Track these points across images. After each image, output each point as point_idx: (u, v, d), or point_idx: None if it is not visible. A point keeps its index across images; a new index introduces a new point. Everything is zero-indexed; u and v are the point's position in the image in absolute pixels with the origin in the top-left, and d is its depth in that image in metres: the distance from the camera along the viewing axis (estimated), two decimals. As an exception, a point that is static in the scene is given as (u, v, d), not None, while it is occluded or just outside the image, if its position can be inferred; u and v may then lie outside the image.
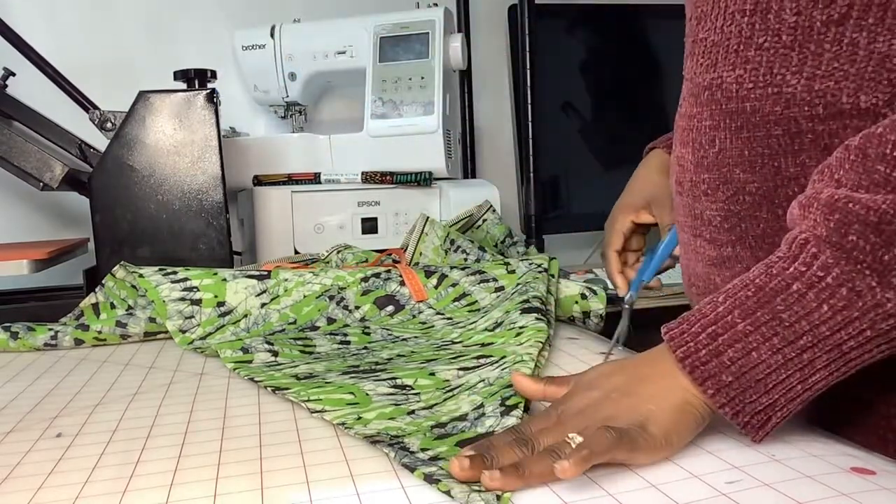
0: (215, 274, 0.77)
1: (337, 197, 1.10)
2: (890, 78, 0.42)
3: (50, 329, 0.75)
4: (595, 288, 0.81)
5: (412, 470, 0.39)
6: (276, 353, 0.65)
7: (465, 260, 0.96)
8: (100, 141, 0.97)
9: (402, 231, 1.10)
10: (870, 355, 0.40)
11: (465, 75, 1.38)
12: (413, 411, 0.49)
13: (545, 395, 0.48)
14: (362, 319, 0.77)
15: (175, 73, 0.95)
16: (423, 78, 1.11)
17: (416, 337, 0.71)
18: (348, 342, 0.70)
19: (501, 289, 0.79)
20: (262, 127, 1.33)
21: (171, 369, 0.65)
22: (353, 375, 0.58)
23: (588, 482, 0.38)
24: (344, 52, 1.17)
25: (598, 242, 1.44)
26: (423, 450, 0.42)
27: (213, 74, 0.96)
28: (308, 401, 0.52)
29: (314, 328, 0.74)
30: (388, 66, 1.13)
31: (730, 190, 0.50)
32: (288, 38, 1.18)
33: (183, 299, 0.74)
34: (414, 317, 0.77)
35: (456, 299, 0.79)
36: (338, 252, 0.99)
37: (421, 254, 0.99)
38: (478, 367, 0.58)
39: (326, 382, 0.56)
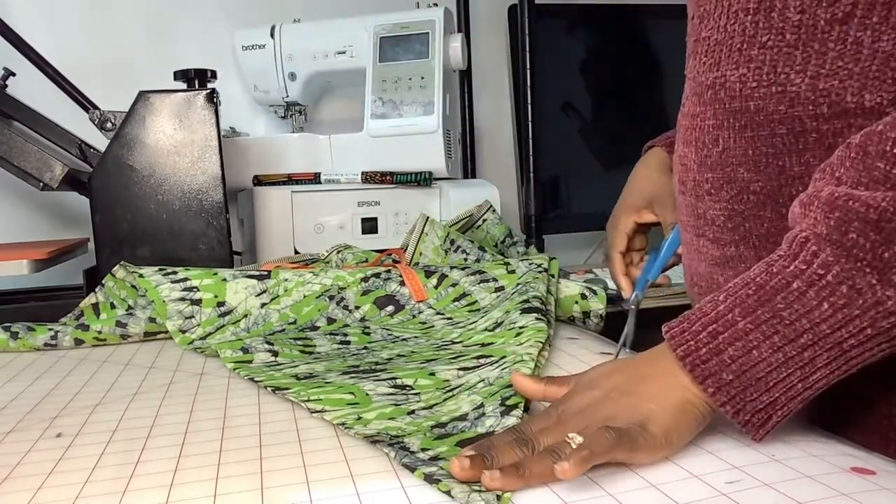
0: (215, 274, 0.77)
1: (337, 197, 1.10)
2: (894, 77, 0.42)
3: (50, 329, 0.75)
4: (595, 288, 0.81)
5: (412, 470, 0.39)
6: (276, 353, 0.65)
7: (465, 260, 0.96)
8: (100, 141, 0.97)
9: (402, 231, 1.10)
10: (870, 354, 0.40)
11: (465, 75, 1.38)
12: (413, 411, 0.49)
13: (545, 394, 0.48)
14: (362, 319, 0.77)
15: (175, 73, 0.95)
16: (423, 78, 1.11)
17: (416, 337, 0.71)
18: (348, 342, 0.70)
19: (501, 289, 0.79)
20: (262, 127, 1.33)
21: (171, 369, 0.65)
22: (353, 375, 0.58)
23: (588, 482, 0.38)
24: (344, 52, 1.17)
25: (599, 242, 1.45)
26: (423, 450, 0.42)
27: (213, 74, 0.96)
28: (308, 401, 0.52)
29: (314, 328, 0.74)
30: (388, 66, 1.13)
31: (733, 189, 0.50)
32: (288, 38, 1.18)
33: (183, 299, 0.74)
34: (414, 317, 0.77)
35: (456, 299, 0.79)
36: (338, 252, 0.99)
37: (421, 254, 0.99)
38: (478, 367, 0.58)
39: (326, 382, 0.56)
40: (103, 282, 0.81)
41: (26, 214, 1.21)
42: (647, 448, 0.40)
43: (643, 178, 0.77)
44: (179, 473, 0.42)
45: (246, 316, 0.75)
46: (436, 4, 1.16)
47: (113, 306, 0.79)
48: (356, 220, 1.10)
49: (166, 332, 0.74)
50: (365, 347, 0.68)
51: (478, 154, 1.44)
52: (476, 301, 0.79)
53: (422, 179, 1.09)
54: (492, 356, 0.60)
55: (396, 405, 0.50)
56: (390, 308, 0.78)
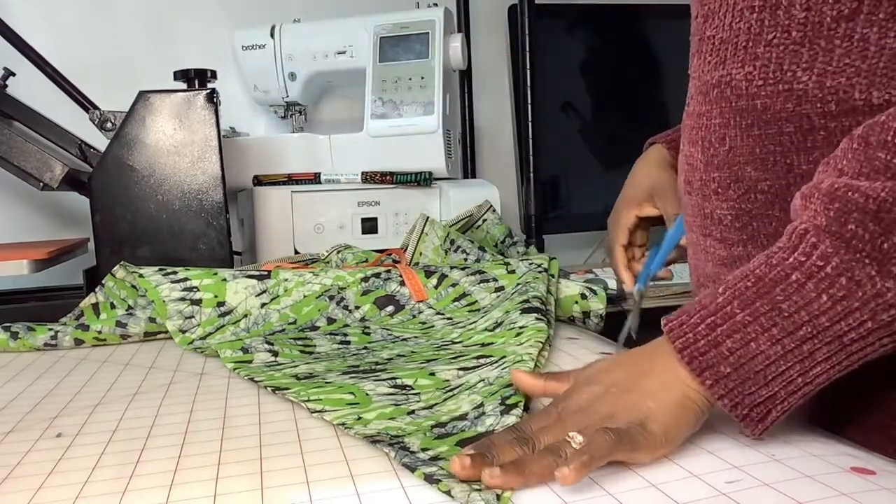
0: (215, 274, 0.77)
1: (337, 197, 1.10)
2: None
3: (50, 329, 0.75)
4: (595, 288, 0.81)
5: (412, 470, 0.39)
6: (276, 353, 0.65)
7: (465, 260, 0.96)
8: (100, 141, 0.97)
9: (402, 231, 1.10)
10: (872, 348, 0.39)
11: (465, 75, 1.38)
12: (413, 411, 0.49)
13: (545, 391, 0.48)
14: (362, 319, 0.77)
15: (175, 73, 0.95)
16: (423, 78, 1.11)
17: (416, 337, 0.71)
18: (348, 342, 0.70)
19: (501, 289, 0.79)
20: (262, 127, 1.33)
21: (171, 369, 0.65)
22: (353, 375, 0.58)
23: (588, 482, 0.38)
24: (344, 52, 1.17)
25: (599, 242, 1.45)
26: (423, 450, 0.42)
27: (213, 74, 0.96)
28: (308, 401, 0.52)
29: (314, 328, 0.74)
30: (388, 66, 1.13)
31: (741, 188, 0.50)
32: (288, 38, 1.18)
33: (183, 299, 0.74)
34: (414, 317, 0.77)
35: (456, 299, 0.79)
36: (338, 252, 0.99)
37: (421, 254, 0.99)
38: (478, 366, 0.58)
39: (326, 382, 0.56)
40: (103, 282, 0.81)
41: (26, 214, 1.21)
42: (648, 447, 0.40)
43: (643, 173, 0.77)
44: (179, 473, 0.42)
45: (246, 316, 0.75)
46: (436, 4, 1.16)
47: (113, 306, 0.79)
48: (356, 220, 1.10)
49: (166, 332, 0.74)
50: (365, 347, 0.68)
51: (478, 154, 1.44)
52: (476, 301, 0.79)
53: (422, 179, 1.09)
54: (492, 356, 0.60)
55: (396, 405, 0.50)
56: (390, 308, 0.78)
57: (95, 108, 0.95)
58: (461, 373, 0.57)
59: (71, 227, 1.23)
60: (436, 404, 0.51)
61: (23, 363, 0.69)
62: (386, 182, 1.10)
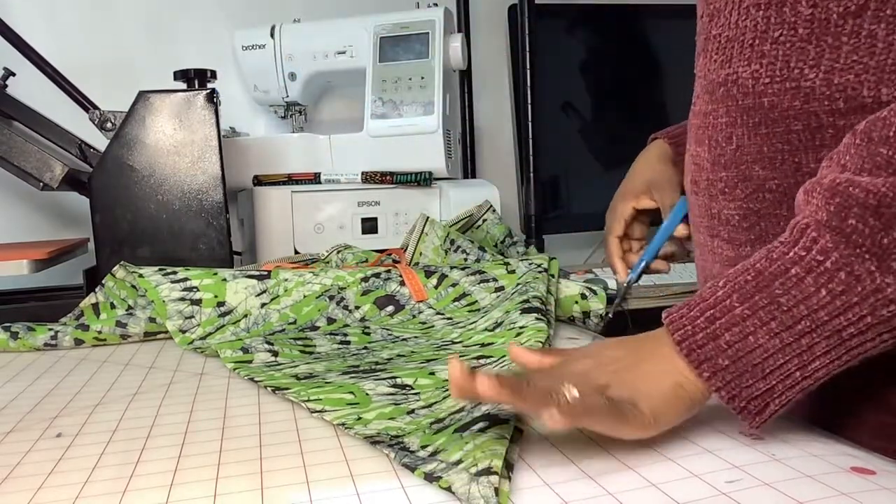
0: (215, 274, 0.77)
1: (337, 197, 1.10)
2: None
3: (50, 329, 0.75)
4: (595, 288, 0.81)
5: (412, 469, 0.39)
6: (276, 353, 0.65)
7: (465, 260, 0.96)
8: (100, 141, 0.97)
9: (402, 231, 1.10)
10: (872, 344, 0.39)
11: (465, 75, 1.38)
12: (413, 411, 0.49)
13: (541, 363, 0.47)
14: (362, 319, 0.77)
15: (175, 73, 0.95)
16: (423, 78, 1.11)
17: (416, 337, 0.71)
18: (348, 342, 0.70)
19: (501, 289, 0.79)
20: (262, 127, 1.33)
21: (171, 369, 0.65)
22: (353, 375, 0.58)
23: (588, 481, 0.38)
24: (344, 52, 1.17)
25: (599, 242, 1.45)
26: (422, 447, 0.42)
27: (213, 74, 0.96)
28: (308, 401, 0.52)
29: (314, 328, 0.74)
30: (388, 66, 1.13)
31: (749, 188, 0.50)
32: (288, 38, 1.18)
33: (183, 299, 0.74)
34: (414, 317, 0.77)
35: (456, 299, 0.79)
36: (338, 252, 0.99)
37: (421, 254, 0.99)
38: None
39: (326, 382, 0.56)
40: (103, 282, 0.81)
41: (26, 214, 1.21)
42: (634, 424, 0.40)
43: (642, 166, 0.77)
44: (179, 473, 0.42)
45: (246, 316, 0.75)
46: (436, 4, 1.16)
47: (113, 306, 0.79)
48: (356, 220, 1.10)
49: (166, 332, 0.74)
50: (365, 347, 0.68)
51: (478, 154, 1.44)
52: (476, 301, 0.79)
53: (422, 179, 1.09)
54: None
55: (396, 405, 0.51)
56: (390, 308, 0.78)
57: (95, 108, 0.95)
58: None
59: (71, 227, 1.23)
60: (435, 403, 0.51)
61: (23, 363, 0.69)
62: (386, 182, 1.10)
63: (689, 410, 0.42)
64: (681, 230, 0.69)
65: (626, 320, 0.69)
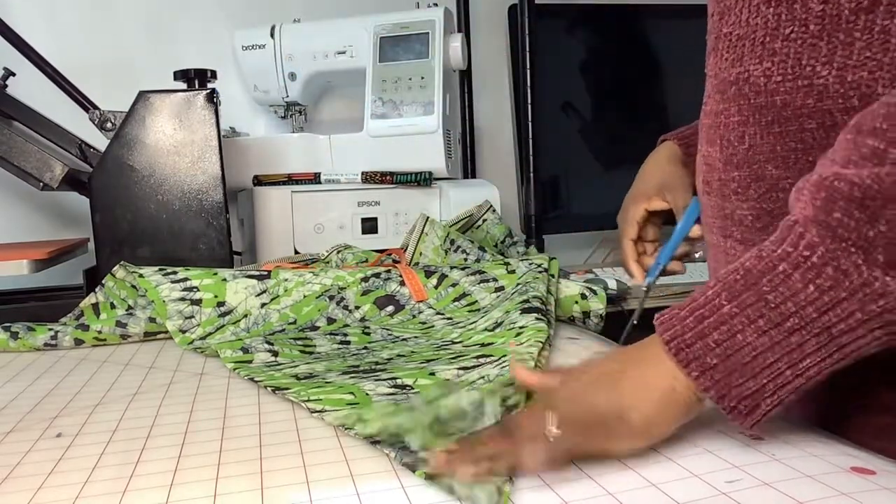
0: (215, 274, 0.77)
1: (337, 197, 1.10)
2: None
3: (50, 329, 0.75)
4: (595, 288, 0.81)
5: (413, 469, 0.39)
6: (276, 353, 0.65)
7: (465, 260, 0.96)
8: (100, 141, 0.97)
9: (402, 231, 1.10)
10: (864, 341, 0.38)
11: (465, 75, 1.38)
12: (413, 408, 0.49)
13: (539, 382, 0.47)
14: (362, 319, 0.77)
15: (175, 73, 0.95)
16: (423, 78, 1.11)
17: (416, 337, 0.71)
18: (348, 342, 0.70)
19: (501, 289, 0.79)
20: (262, 127, 1.33)
21: (171, 369, 0.65)
22: (353, 375, 0.58)
23: (588, 481, 0.38)
24: (344, 52, 1.17)
25: (598, 242, 1.45)
26: (423, 448, 0.42)
27: (213, 74, 0.96)
28: (308, 401, 0.52)
29: (314, 328, 0.74)
30: (388, 66, 1.13)
31: (762, 187, 0.49)
32: (288, 38, 1.18)
33: (183, 299, 0.74)
34: (414, 317, 0.77)
35: (456, 299, 0.79)
36: (338, 252, 0.99)
37: (421, 254, 0.99)
38: (478, 366, 0.58)
39: (326, 382, 0.56)
40: (103, 282, 0.81)
41: (26, 214, 1.21)
42: (625, 437, 0.40)
43: (652, 167, 0.76)
44: (179, 473, 0.42)
45: (246, 316, 0.75)
46: (436, 4, 1.16)
47: (113, 306, 0.79)
48: (356, 220, 1.10)
49: (166, 332, 0.74)
50: (365, 347, 0.68)
51: (478, 154, 1.44)
52: (476, 301, 0.79)
53: (422, 179, 1.09)
54: (492, 356, 0.60)
55: (396, 405, 0.50)
56: (390, 308, 0.78)
57: (95, 108, 0.95)
58: (461, 372, 0.57)
59: (71, 227, 1.23)
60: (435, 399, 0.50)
61: (23, 363, 0.69)
62: (386, 182, 1.10)
63: (685, 415, 0.42)
64: (695, 231, 0.69)
65: (630, 323, 0.69)
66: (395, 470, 0.41)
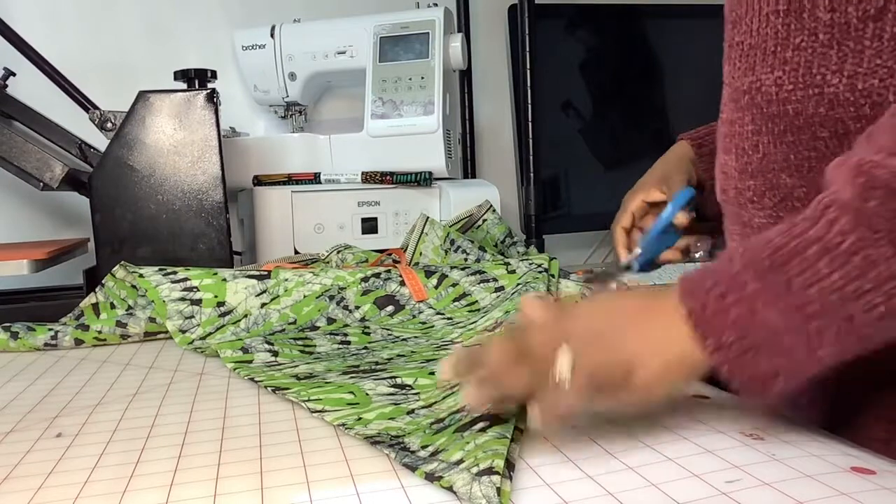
0: (215, 274, 0.77)
1: (337, 197, 1.10)
2: None
3: (50, 329, 0.75)
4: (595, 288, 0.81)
5: (413, 469, 0.39)
6: (276, 353, 0.65)
7: (465, 260, 0.96)
8: (100, 141, 0.97)
9: (402, 231, 1.10)
10: (887, 333, 0.38)
11: (465, 75, 1.38)
12: (413, 411, 0.49)
13: (548, 317, 0.46)
14: (362, 319, 0.77)
15: (175, 73, 0.95)
16: (423, 78, 1.11)
17: (416, 337, 0.71)
18: (348, 342, 0.70)
19: (501, 289, 0.79)
20: (262, 127, 1.33)
21: (171, 369, 0.65)
22: (353, 375, 0.58)
23: (588, 481, 0.38)
24: (344, 52, 1.17)
25: (599, 242, 1.45)
26: (423, 447, 0.42)
27: (213, 74, 0.96)
28: (308, 401, 0.52)
29: (314, 328, 0.74)
30: (388, 65, 1.13)
31: (777, 196, 0.49)
32: (288, 38, 1.18)
33: (183, 299, 0.74)
34: (414, 317, 0.77)
35: (456, 299, 0.79)
36: (338, 252, 0.99)
37: (421, 254, 0.99)
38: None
39: (326, 382, 0.56)
40: (103, 282, 0.81)
41: (26, 214, 1.21)
42: (630, 392, 0.41)
43: (659, 163, 0.77)
44: (179, 473, 0.42)
45: (246, 316, 0.75)
46: (436, 4, 1.16)
47: (113, 306, 0.79)
48: (356, 220, 1.10)
49: (166, 332, 0.74)
50: (365, 347, 0.68)
51: (478, 154, 1.44)
52: (476, 301, 0.79)
53: (422, 179, 1.09)
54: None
55: (396, 405, 0.50)
56: (390, 308, 0.78)
57: (95, 108, 0.95)
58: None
59: (71, 227, 1.23)
60: (435, 402, 0.51)
61: (23, 363, 0.69)
62: (386, 182, 1.10)
63: (688, 381, 0.41)
64: (679, 218, 0.68)
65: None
66: (395, 470, 0.41)
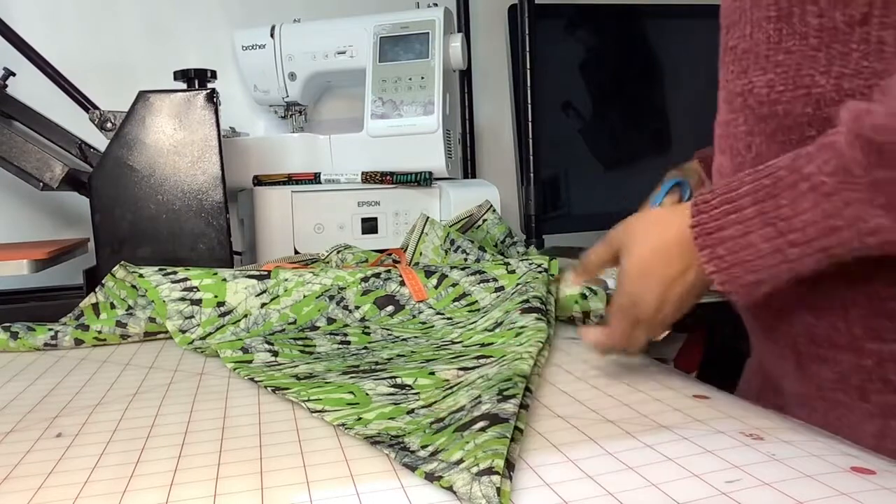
0: (215, 274, 0.77)
1: (337, 197, 1.10)
2: None
3: (50, 329, 0.75)
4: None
5: (413, 469, 0.39)
6: (276, 353, 0.65)
7: (465, 260, 0.96)
8: (100, 141, 0.97)
9: (402, 231, 1.10)
10: (860, 254, 0.43)
11: (465, 75, 1.38)
12: (412, 410, 0.49)
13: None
14: (362, 319, 0.77)
15: (175, 73, 0.95)
16: (423, 78, 1.11)
17: (415, 337, 0.71)
18: (348, 342, 0.70)
19: (501, 289, 0.79)
20: (262, 127, 1.33)
21: (171, 369, 0.65)
22: (352, 375, 0.58)
23: (588, 481, 0.38)
24: (344, 52, 1.17)
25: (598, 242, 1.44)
26: (423, 447, 0.42)
27: (213, 74, 0.96)
28: (308, 401, 0.52)
29: (314, 328, 0.74)
30: (387, 65, 1.13)
31: None
32: (288, 38, 1.18)
33: (183, 299, 0.74)
34: (414, 317, 0.77)
35: (456, 299, 0.79)
36: (338, 252, 0.99)
37: (421, 254, 0.99)
38: (478, 366, 0.58)
39: (326, 382, 0.56)
40: (103, 282, 0.81)
41: (26, 214, 1.21)
42: (645, 321, 0.53)
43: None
44: (179, 473, 0.42)
45: (246, 316, 0.75)
46: (436, 4, 1.16)
47: (113, 306, 0.79)
48: (356, 220, 1.10)
49: (166, 332, 0.74)
50: (365, 347, 0.68)
51: (478, 154, 1.44)
52: (476, 301, 0.79)
53: (422, 179, 1.09)
54: (492, 356, 0.60)
55: (396, 405, 0.50)
56: (390, 308, 0.78)
57: (95, 108, 0.95)
58: (461, 372, 0.57)
59: (71, 227, 1.23)
60: (435, 402, 0.51)
61: (23, 363, 0.69)
62: (386, 182, 1.10)
63: (696, 297, 0.51)
64: (667, 203, 0.72)
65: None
66: (395, 470, 0.41)
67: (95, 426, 0.50)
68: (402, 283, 0.80)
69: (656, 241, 0.50)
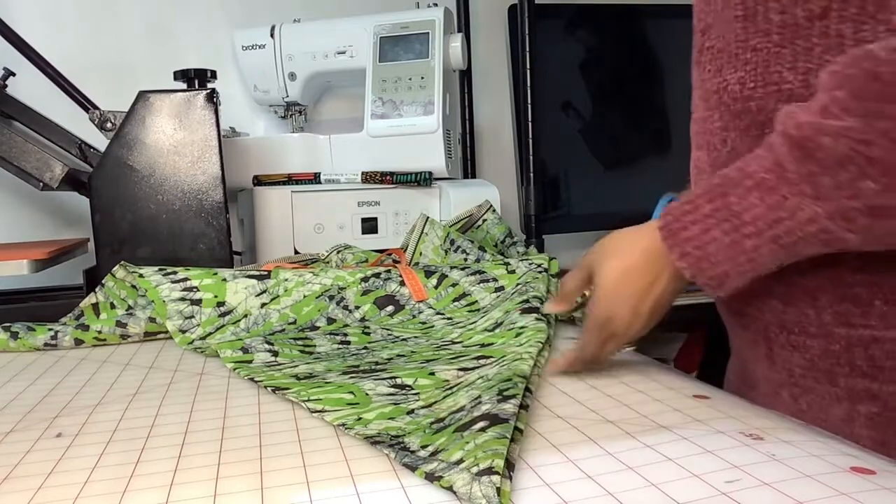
0: (215, 274, 0.77)
1: (337, 197, 1.10)
2: None
3: (50, 329, 0.75)
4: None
5: (413, 469, 0.39)
6: (276, 353, 0.65)
7: (465, 260, 0.96)
8: (100, 141, 0.97)
9: (402, 231, 1.10)
10: (812, 249, 0.46)
11: (465, 75, 1.37)
12: (412, 411, 0.49)
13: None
14: (362, 319, 0.77)
15: (175, 73, 0.95)
16: (423, 78, 1.11)
17: (415, 337, 0.71)
18: (348, 342, 0.70)
19: (501, 289, 0.79)
20: (262, 127, 1.33)
21: (171, 369, 0.65)
22: (352, 375, 0.58)
23: (588, 481, 0.38)
24: (344, 52, 1.17)
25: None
26: (423, 447, 0.42)
27: (213, 74, 0.96)
28: (308, 401, 0.52)
29: (314, 328, 0.74)
30: (387, 65, 1.13)
31: None
32: (288, 38, 1.18)
33: (183, 299, 0.74)
34: (414, 317, 0.77)
35: (456, 299, 0.79)
36: (338, 252, 0.99)
37: (421, 254, 0.99)
38: (477, 367, 0.58)
39: (326, 382, 0.56)
40: (103, 282, 0.81)
41: (26, 214, 1.21)
42: (621, 331, 0.54)
43: None
44: (179, 473, 0.42)
45: (246, 316, 0.75)
46: (436, 4, 1.16)
47: (113, 306, 0.79)
48: (356, 220, 1.10)
49: (166, 332, 0.74)
50: (365, 347, 0.68)
51: (478, 154, 1.43)
52: (476, 301, 0.79)
53: (422, 179, 1.09)
54: (492, 356, 0.60)
55: (396, 405, 0.50)
56: (390, 308, 0.78)
57: (95, 108, 0.95)
58: (461, 373, 0.57)
59: (71, 227, 1.23)
60: (435, 402, 0.51)
61: (23, 363, 0.69)
62: (386, 182, 1.10)
63: (667, 289, 0.53)
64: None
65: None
66: (395, 470, 0.41)
67: (95, 426, 0.50)
68: (402, 283, 0.80)
69: (626, 257, 0.53)
